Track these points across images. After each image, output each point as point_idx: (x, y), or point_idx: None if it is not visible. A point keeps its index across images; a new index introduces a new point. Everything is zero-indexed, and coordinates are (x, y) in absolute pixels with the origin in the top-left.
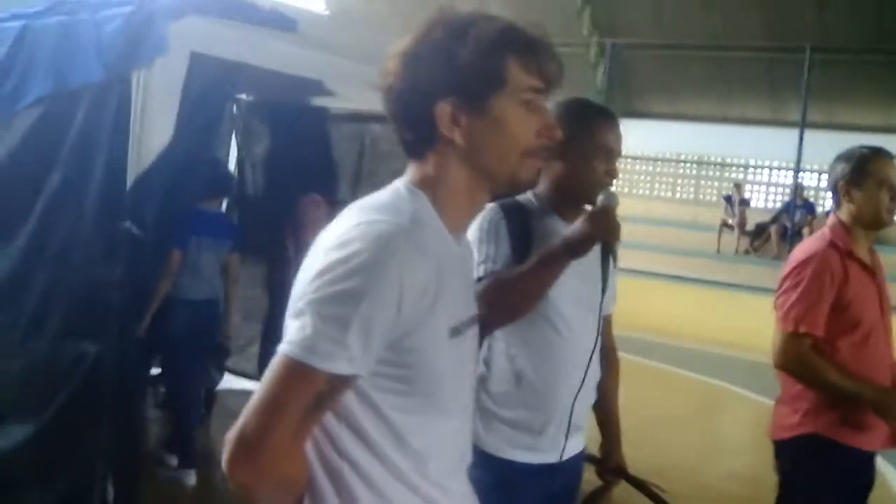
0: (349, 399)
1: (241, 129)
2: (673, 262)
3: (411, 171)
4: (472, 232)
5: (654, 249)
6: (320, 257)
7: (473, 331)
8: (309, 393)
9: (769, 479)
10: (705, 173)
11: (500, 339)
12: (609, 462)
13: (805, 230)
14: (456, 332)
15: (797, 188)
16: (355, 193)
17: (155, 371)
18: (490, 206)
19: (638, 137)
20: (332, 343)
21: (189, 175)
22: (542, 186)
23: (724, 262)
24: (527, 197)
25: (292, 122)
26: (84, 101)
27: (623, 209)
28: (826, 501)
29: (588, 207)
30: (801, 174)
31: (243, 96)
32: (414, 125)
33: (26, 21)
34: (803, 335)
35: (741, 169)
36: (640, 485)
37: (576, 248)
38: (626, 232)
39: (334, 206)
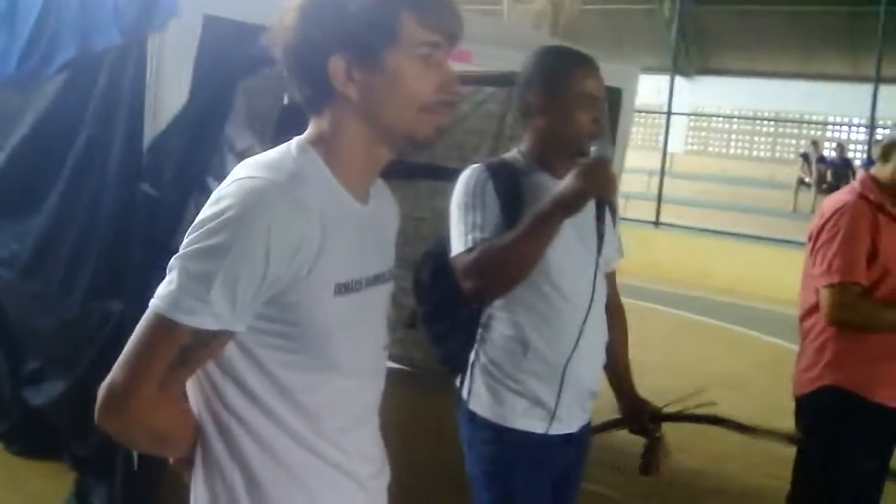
0: (232, 353)
1: None
2: (749, 221)
3: (310, 128)
4: (457, 196)
5: (730, 208)
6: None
7: (380, 289)
8: (173, 347)
9: None
10: (783, 130)
11: (501, 306)
12: (643, 415)
13: None
14: (344, 288)
15: (872, 144)
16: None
17: None
18: (475, 166)
19: (714, 95)
20: (195, 298)
21: (204, 138)
22: (528, 143)
23: (800, 220)
24: (513, 154)
25: None
26: (105, 65)
27: (699, 167)
28: (845, 460)
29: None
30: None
31: None
32: (310, 81)
33: None
34: (850, 284)
35: (819, 126)
36: (684, 417)
37: (568, 206)
38: (702, 190)
39: None
